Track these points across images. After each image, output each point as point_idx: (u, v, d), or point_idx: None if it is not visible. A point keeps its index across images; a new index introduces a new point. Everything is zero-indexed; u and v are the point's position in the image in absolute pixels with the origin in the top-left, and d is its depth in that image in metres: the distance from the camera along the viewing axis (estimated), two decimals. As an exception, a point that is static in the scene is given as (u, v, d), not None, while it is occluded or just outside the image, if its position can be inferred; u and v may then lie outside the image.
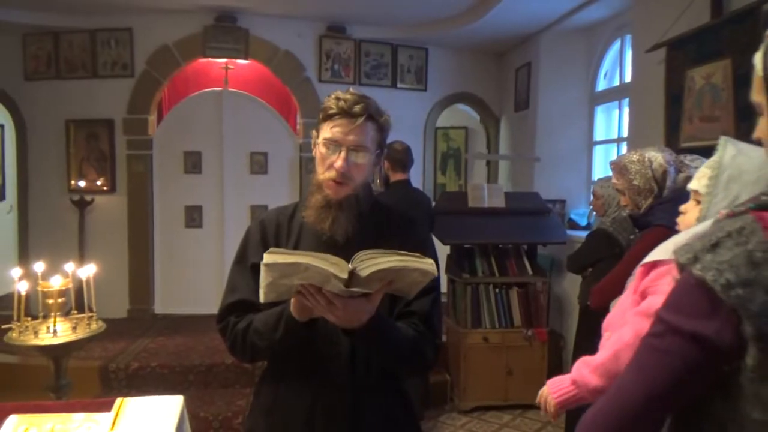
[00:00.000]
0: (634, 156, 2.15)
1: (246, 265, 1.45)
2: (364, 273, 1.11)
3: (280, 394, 1.43)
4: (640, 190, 2.12)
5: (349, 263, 1.13)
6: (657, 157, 2.11)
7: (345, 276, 1.11)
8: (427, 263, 1.16)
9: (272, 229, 1.47)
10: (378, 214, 1.48)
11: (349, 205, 1.40)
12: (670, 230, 2.01)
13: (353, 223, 1.39)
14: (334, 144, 1.36)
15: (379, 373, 1.42)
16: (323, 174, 1.39)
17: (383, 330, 1.31)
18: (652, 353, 0.84)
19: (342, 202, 1.39)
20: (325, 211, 1.39)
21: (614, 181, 2.24)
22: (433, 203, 4.46)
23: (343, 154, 1.35)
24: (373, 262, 1.12)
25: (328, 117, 1.38)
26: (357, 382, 1.39)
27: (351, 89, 1.42)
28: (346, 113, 1.35)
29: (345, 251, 1.20)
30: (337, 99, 1.37)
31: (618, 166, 2.20)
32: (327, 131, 1.37)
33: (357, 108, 1.35)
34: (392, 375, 1.48)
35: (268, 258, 1.11)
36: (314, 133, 1.44)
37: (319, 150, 1.40)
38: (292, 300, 1.26)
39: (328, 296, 1.17)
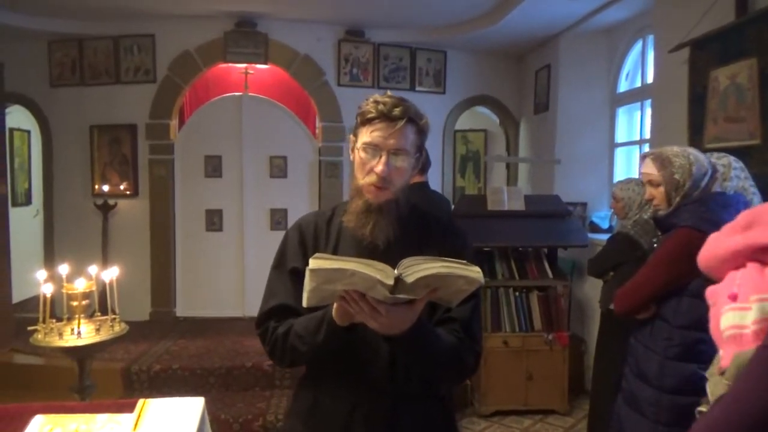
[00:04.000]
0: (676, 149, 2.09)
1: (285, 270, 1.43)
2: (409, 279, 1.08)
3: (318, 399, 1.42)
4: (678, 185, 2.05)
5: (393, 269, 1.11)
6: (699, 156, 2.06)
7: (391, 282, 1.08)
8: (473, 271, 1.12)
9: (311, 233, 1.45)
10: (417, 218, 1.46)
11: (390, 210, 1.38)
12: (697, 232, 1.97)
13: (394, 228, 1.37)
14: (374, 148, 1.34)
15: (418, 379, 1.39)
16: (363, 179, 1.37)
17: (424, 336, 1.28)
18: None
19: (382, 206, 1.37)
20: (366, 216, 1.37)
21: (651, 171, 2.12)
22: (452, 206, 4.44)
23: (383, 158, 1.33)
24: (418, 268, 1.09)
25: (368, 121, 1.35)
26: (396, 388, 1.37)
27: (389, 92, 1.39)
28: (385, 117, 1.33)
29: (385, 256, 1.18)
30: (376, 102, 1.34)
31: (660, 158, 2.09)
32: (366, 135, 1.35)
33: (397, 111, 1.33)
34: (432, 381, 1.45)
35: (313, 263, 1.09)
36: (351, 137, 1.42)
37: (359, 154, 1.37)
38: (335, 304, 1.23)
39: (371, 303, 1.15)
